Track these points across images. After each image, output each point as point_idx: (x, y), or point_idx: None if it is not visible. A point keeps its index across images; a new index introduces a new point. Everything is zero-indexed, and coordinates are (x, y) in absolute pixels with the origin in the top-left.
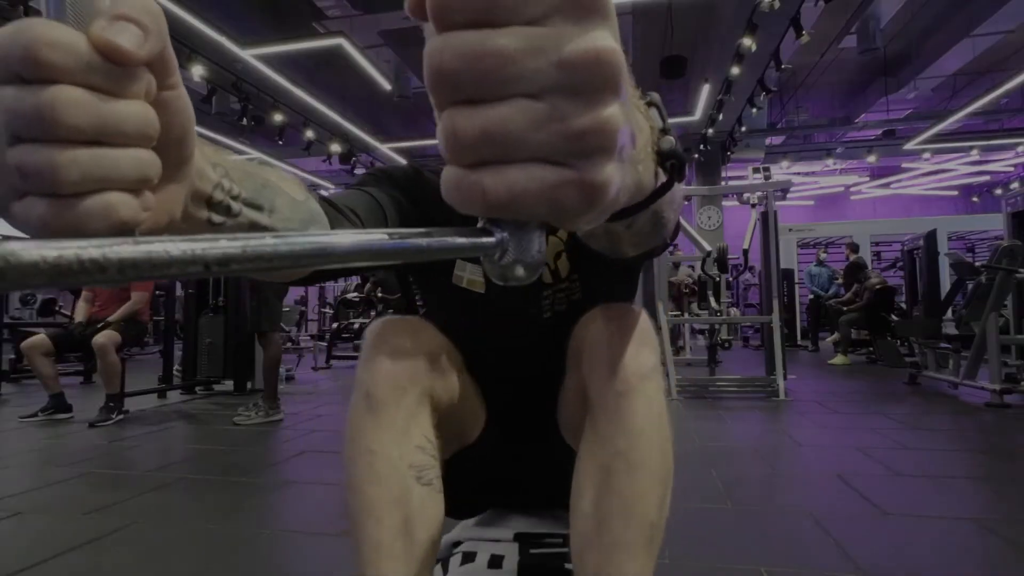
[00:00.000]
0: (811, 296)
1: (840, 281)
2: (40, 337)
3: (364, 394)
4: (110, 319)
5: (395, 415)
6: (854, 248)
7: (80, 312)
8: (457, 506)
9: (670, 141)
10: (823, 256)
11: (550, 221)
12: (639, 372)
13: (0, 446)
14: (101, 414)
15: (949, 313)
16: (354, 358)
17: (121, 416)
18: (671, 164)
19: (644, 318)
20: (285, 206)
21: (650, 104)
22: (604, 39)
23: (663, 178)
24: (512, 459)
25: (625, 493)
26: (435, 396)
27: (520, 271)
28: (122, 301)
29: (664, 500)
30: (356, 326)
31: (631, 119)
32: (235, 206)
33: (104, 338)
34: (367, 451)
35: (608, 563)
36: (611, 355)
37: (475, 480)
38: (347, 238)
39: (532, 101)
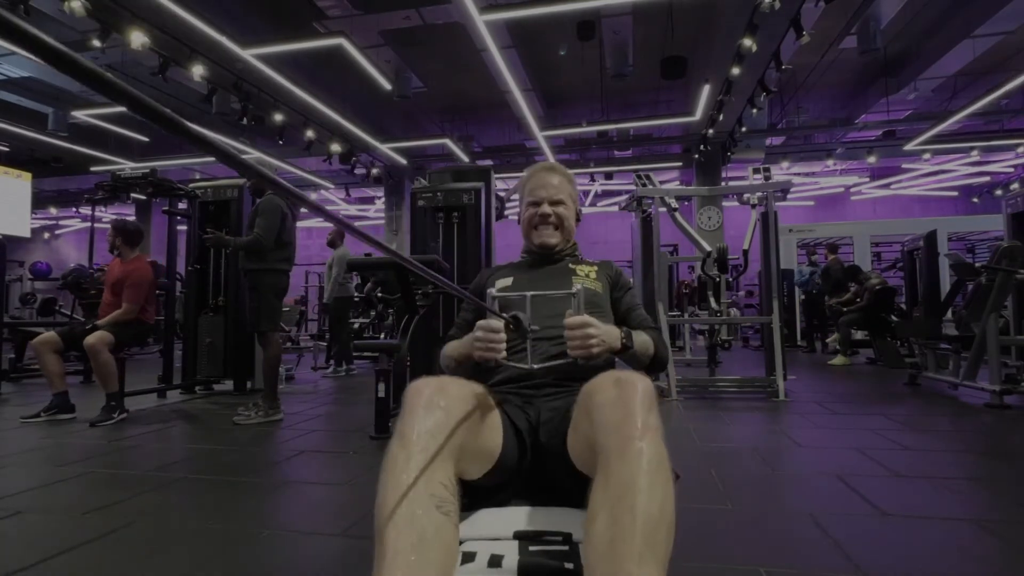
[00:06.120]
0: (802, 297)
1: (820, 282)
2: (50, 334)
3: (400, 437)
4: (98, 323)
5: (424, 457)
6: (833, 248)
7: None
8: (474, 492)
9: (627, 340)
10: (814, 258)
11: (588, 357)
12: (646, 425)
13: (0, 445)
14: (103, 414)
15: (949, 314)
16: (354, 359)
17: (123, 415)
18: (624, 343)
19: (649, 385)
20: None
21: (622, 330)
22: (589, 324)
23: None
24: (523, 455)
25: (637, 509)
26: (462, 444)
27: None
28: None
29: (669, 532)
30: (356, 326)
31: (603, 330)
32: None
33: (94, 339)
34: (397, 478)
35: (620, 569)
36: (622, 414)
37: (496, 477)
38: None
39: (579, 332)
